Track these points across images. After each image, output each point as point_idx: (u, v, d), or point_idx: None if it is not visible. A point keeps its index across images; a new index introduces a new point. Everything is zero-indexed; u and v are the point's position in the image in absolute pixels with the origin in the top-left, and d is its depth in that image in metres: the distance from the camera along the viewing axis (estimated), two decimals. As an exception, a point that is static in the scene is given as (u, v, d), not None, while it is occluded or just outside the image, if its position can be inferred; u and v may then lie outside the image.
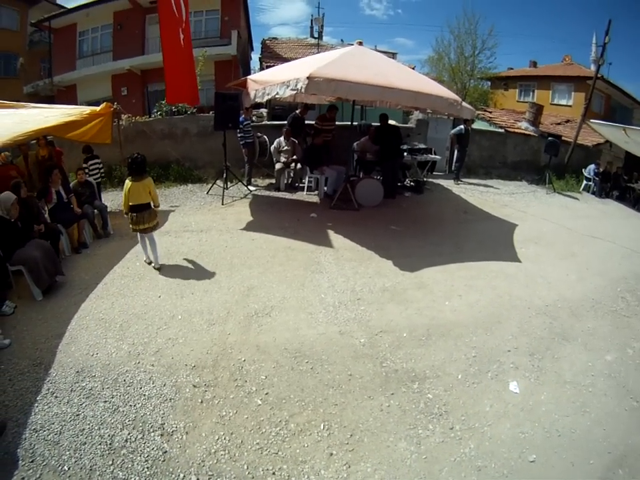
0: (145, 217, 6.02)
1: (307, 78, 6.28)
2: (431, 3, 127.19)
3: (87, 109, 8.37)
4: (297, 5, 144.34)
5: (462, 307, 5.67)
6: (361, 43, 9.17)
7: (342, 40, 33.33)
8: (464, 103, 7.93)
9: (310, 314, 5.14)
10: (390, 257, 6.97)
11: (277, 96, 7.31)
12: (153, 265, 6.33)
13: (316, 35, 25.99)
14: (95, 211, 7.60)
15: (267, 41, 24.82)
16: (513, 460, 3.43)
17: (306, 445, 3.41)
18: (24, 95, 22.51)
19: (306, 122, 11.37)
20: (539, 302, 6.12)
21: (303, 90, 6.40)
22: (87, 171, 8.13)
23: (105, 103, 8.67)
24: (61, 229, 6.58)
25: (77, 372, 4.11)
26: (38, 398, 3.79)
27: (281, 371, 4.16)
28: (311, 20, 26.40)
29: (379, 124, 10.52)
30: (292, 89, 6.63)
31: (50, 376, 4.05)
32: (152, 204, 6.13)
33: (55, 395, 3.84)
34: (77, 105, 19.41)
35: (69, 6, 23.92)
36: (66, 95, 22.56)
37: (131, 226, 6.14)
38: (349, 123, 10.27)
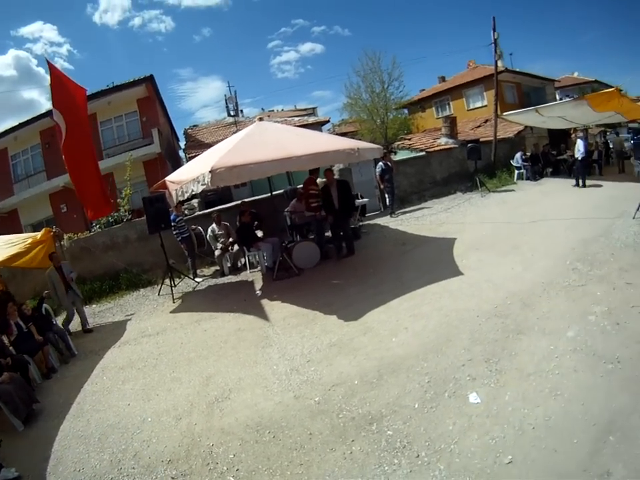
0: None
1: (210, 172, 6.57)
2: (334, 53, 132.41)
3: (29, 238, 8.72)
4: (214, 84, 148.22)
5: (409, 338, 5.74)
6: (261, 119, 9.61)
7: (262, 109, 34.56)
8: (363, 145, 8.36)
9: (265, 387, 5.28)
10: (333, 311, 7.11)
11: (193, 192, 7.49)
12: None
13: (232, 113, 26.68)
14: (56, 335, 7.77)
15: (189, 130, 25.56)
16: (488, 467, 3.43)
17: (278, 509, 3.53)
18: (-33, 225, 22.57)
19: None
20: (488, 306, 6.22)
21: (209, 184, 6.67)
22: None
23: (44, 229, 9.10)
24: (27, 358, 6.78)
25: (68, 489, 4.30)
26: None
27: (247, 447, 4.30)
28: (225, 100, 27.07)
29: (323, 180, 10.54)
30: (202, 184, 6.88)
31: (43, 498, 4.24)
32: None
33: (49, 514, 4.01)
34: (21, 229, 19.88)
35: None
36: (10, 221, 22.72)
37: None
38: (269, 193, 10.69)
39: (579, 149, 14.32)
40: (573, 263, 7.31)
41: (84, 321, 8.91)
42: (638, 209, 9.41)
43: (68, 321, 8.79)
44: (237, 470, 4.04)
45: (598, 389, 4.11)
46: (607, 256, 7.41)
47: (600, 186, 14.56)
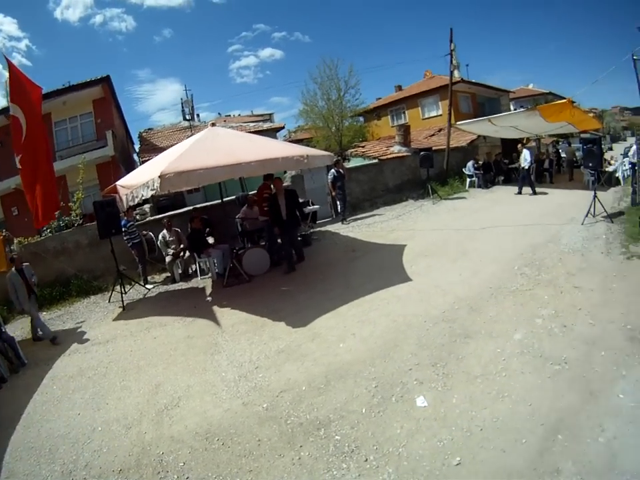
0: None
1: (159, 177, 6.49)
2: (293, 59, 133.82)
3: (-22, 241, 8.37)
4: (172, 86, 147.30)
5: (357, 344, 5.79)
6: (213, 124, 9.58)
7: (219, 113, 34.22)
8: (313, 153, 8.41)
9: (214, 394, 5.27)
10: (282, 318, 7.13)
11: (143, 198, 7.35)
12: None
13: (188, 117, 26.36)
14: (5, 343, 7.53)
15: (143, 134, 25.05)
16: (437, 469, 3.50)
17: (226, 515, 3.55)
18: None
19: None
20: (435, 311, 6.34)
21: (158, 189, 6.58)
22: None
23: (-7, 232, 8.68)
24: (-25, 368, 6.56)
25: (20, 503, 4.21)
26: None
27: (197, 454, 4.29)
28: (181, 103, 26.71)
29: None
30: (151, 189, 6.77)
31: (-5, 513, 4.15)
32: None
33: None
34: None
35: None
36: (-40, 224, 21.69)
37: None
38: (221, 199, 10.73)
39: (526, 158, 14.79)
40: (520, 268, 7.55)
41: (34, 329, 8.62)
42: (586, 215, 9.81)
43: (45, 331, 8.46)
44: (187, 478, 4.04)
45: (545, 389, 4.26)
46: (554, 261, 7.70)
47: (550, 194, 15.11)
